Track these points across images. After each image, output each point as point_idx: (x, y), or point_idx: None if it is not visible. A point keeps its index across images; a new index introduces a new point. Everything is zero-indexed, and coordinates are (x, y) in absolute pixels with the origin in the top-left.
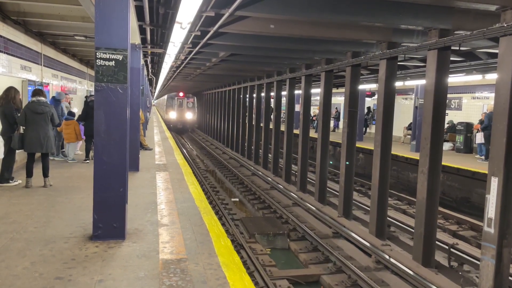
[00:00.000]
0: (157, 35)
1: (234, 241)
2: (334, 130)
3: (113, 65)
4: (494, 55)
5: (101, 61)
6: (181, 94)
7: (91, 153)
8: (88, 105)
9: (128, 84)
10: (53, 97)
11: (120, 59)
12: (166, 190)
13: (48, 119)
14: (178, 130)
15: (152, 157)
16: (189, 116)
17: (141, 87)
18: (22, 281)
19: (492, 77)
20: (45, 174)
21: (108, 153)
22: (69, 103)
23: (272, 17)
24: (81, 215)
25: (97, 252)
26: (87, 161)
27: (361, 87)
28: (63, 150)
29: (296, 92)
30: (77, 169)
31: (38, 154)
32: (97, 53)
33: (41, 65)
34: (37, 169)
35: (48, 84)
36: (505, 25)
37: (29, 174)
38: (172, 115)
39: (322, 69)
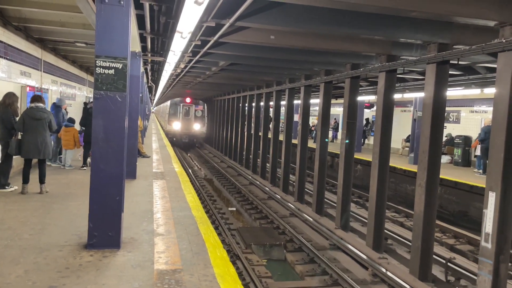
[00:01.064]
0: (158, 43)
1: (230, 251)
2: (332, 141)
3: (113, 73)
4: (493, 70)
5: (101, 69)
6: (187, 99)
7: (89, 160)
8: (88, 111)
9: (127, 93)
10: (54, 103)
11: (120, 68)
12: (162, 198)
13: (46, 125)
14: (183, 145)
15: (149, 165)
16: (198, 127)
17: (141, 95)
18: None
19: (490, 91)
20: (42, 180)
21: (105, 161)
22: (65, 109)
23: (272, 28)
24: (77, 223)
25: (92, 261)
26: (84, 167)
27: (360, 98)
28: (61, 156)
29: (295, 102)
30: (74, 175)
31: (35, 160)
32: (97, 61)
33: (41, 71)
34: (34, 175)
35: (42, 89)
36: (504, 40)
37: (26, 180)
38: (176, 125)
39: (322, 80)
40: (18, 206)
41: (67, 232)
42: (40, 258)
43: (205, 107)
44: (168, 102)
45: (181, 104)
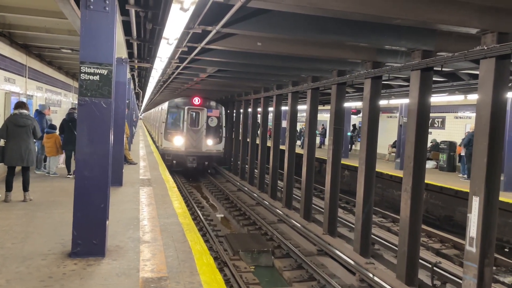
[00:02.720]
0: (144, 49)
1: (218, 259)
2: (320, 147)
3: (98, 79)
4: (476, 76)
5: (86, 75)
6: (196, 100)
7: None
8: (65, 119)
9: (113, 99)
10: (37, 110)
11: (105, 74)
12: (149, 205)
13: (30, 132)
14: (187, 172)
15: (136, 171)
16: (212, 143)
17: (127, 101)
18: None
19: (473, 97)
20: (25, 188)
21: (90, 168)
22: (49, 115)
23: (259, 34)
24: (61, 231)
25: (76, 269)
26: (69, 176)
27: (347, 104)
28: (45, 163)
29: (283, 108)
30: (58, 183)
31: (18, 168)
32: (81, 68)
33: (25, 77)
34: (18, 183)
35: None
36: (485, 47)
37: (9, 188)
38: (178, 141)
39: (309, 87)
40: (1, 215)
41: (50, 241)
42: (22, 267)
43: (223, 111)
44: (165, 105)
45: (186, 108)
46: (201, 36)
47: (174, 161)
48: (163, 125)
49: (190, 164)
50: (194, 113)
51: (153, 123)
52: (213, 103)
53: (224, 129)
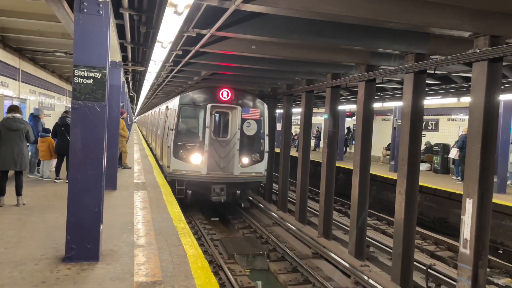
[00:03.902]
0: (139, 53)
1: (213, 262)
2: (315, 149)
3: (91, 83)
4: (469, 79)
5: (79, 78)
6: (224, 94)
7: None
8: (57, 122)
9: (106, 102)
10: (31, 113)
11: (99, 77)
12: (143, 209)
13: (23, 136)
14: (207, 206)
15: (130, 175)
16: (249, 161)
17: (121, 104)
18: None
19: (467, 100)
20: (18, 192)
21: (83, 171)
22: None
23: (253, 38)
24: (54, 236)
25: (69, 274)
26: (56, 180)
27: (341, 107)
28: (39, 167)
29: (277, 111)
30: (52, 187)
31: (12, 172)
32: (75, 71)
33: (18, 80)
34: (11, 187)
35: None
36: (478, 51)
37: (1, 192)
38: (196, 160)
39: (303, 90)
40: None
41: (44, 245)
42: (15, 272)
43: (265, 110)
44: (173, 102)
45: (209, 106)
46: (196, 40)
47: (189, 191)
48: (171, 134)
49: (216, 196)
50: (221, 115)
51: (151, 128)
52: (250, 99)
53: (266, 138)
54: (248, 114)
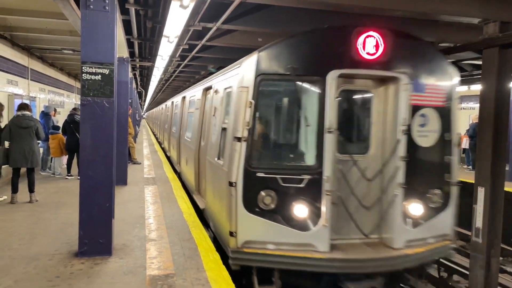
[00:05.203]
0: (145, 48)
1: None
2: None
3: (100, 79)
4: (479, 67)
5: (87, 75)
6: (370, 44)
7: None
8: (67, 119)
9: (115, 98)
10: (42, 111)
11: (107, 73)
12: (154, 204)
13: (33, 133)
14: None
15: (140, 170)
16: (423, 212)
17: (130, 100)
18: None
19: (477, 88)
20: (31, 189)
21: (94, 168)
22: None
23: (259, 30)
24: (67, 231)
25: (83, 269)
26: (67, 177)
27: None
28: (51, 164)
29: None
30: (63, 183)
31: (24, 169)
32: (83, 67)
33: (28, 79)
34: (23, 185)
35: (30, 97)
36: (488, 37)
37: (14, 189)
38: (301, 214)
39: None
40: (7, 216)
41: (57, 241)
42: (30, 267)
43: (455, 82)
44: (235, 75)
45: (335, 75)
46: (202, 33)
47: None
48: (234, 149)
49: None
50: (353, 100)
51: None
52: (428, 56)
53: (455, 151)
54: (424, 96)
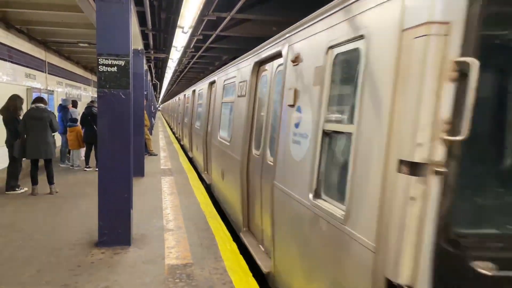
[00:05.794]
0: (160, 40)
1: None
2: None
3: (116, 70)
4: None
5: (104, 67)
6: None
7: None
8: (85, 112)
9: (131, 90)
10: (60, 104)
11: (123, 65)
12: (171, 195)
13: (47, 125)
14: None
15: (157, 162)
16: None
17: (145, 92)
18: None
19: None
20: (50, 181)
21: (112, 159)
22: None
23: (274, 19)
24: (87, 222)
25: (103, 258)
26: (86, 169)
27: None
28: (69, 156)
29: None
30: (82, 175)
31: (42, 162)
32: (99, 59)
33: (45, 72)
34: (44, 177)
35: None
36: None
37: (34, 181)
38: None
39: None
40: (29, 208)
41: (77, 231)
42: (52, 257)
43: None
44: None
45: None
46: (216, 24)
47: None
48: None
49: None
50: None
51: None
52: None
53: None
54: None
